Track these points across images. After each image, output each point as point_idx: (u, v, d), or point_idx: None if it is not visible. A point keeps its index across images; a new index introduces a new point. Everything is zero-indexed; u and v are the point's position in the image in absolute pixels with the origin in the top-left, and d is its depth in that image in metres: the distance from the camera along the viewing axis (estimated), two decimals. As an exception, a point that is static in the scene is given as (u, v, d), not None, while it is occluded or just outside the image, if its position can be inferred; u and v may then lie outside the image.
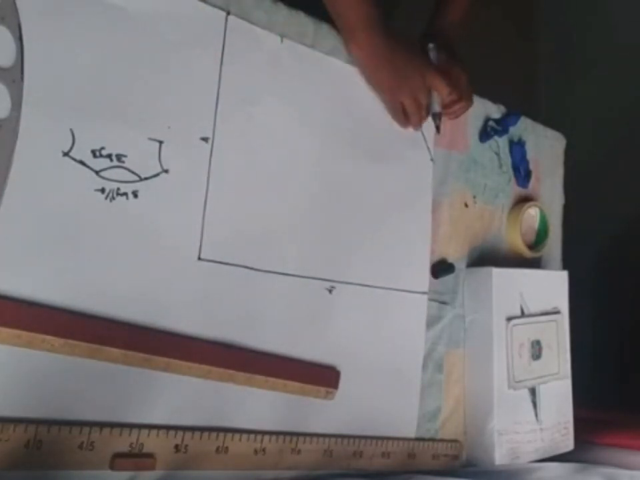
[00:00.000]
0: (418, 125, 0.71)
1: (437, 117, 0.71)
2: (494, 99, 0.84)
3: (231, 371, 0.55)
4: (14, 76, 0.45)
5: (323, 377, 0.62)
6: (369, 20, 0.62)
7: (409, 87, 0.67)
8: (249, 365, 0.56)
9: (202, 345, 0.54)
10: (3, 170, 0.44)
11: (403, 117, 0.69)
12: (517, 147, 0.86)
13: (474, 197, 0.79)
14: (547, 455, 0.77)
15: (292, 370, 0.59)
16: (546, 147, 0.92)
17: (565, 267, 0.91)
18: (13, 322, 0.44)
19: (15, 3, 0.45)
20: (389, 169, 0.69)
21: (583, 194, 1.06)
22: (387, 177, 0.69)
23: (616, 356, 1.25)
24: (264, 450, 0.57)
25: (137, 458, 0.50)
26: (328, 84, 0.64)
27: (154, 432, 0.51)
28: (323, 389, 0.61)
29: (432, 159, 0.74)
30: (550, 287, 0.82)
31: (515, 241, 0.83)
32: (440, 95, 0.69)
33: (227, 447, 0.55)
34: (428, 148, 0.73)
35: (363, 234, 0.66)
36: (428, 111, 0.70)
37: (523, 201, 0.86)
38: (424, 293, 0.71)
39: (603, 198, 1.38)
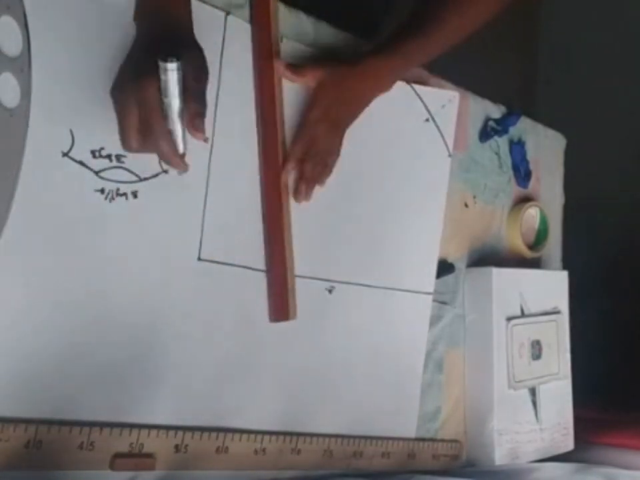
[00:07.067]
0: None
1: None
2: (494, 99, 0.84)
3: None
4: (22, 65, 0.45)
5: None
6: None
7: None
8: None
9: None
10: (17, 156, 0.44)
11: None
12: (517, 147, 0.85)
13: (474, 197, 0.79)
14: (547, 455, 0.77)
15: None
16: (546, 147, 0.92)
17: (564, 267, 0.91)
18: None
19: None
20: (403, 166, 0.69)
21: (583, 194, 1.06)
22: (399, 173, 0.68)
23: (616, 356, 1.25)
24: (264, 450, 0.57)
25: (137, 458, 0.50)
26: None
27: (154, 432, 0.51)
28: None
29: (450, 155, 0.73)
30: (550, 287, 0.82)
31: (515, 240, 0.83)
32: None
33: (227, 447, 0.55)
34: (445, 143, 0.72)
35: (367, 233, 0.66)
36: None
37: (523, 201, 0.86)
38: (429, 293, 0.71)
39: (603, 198, 1.39)
